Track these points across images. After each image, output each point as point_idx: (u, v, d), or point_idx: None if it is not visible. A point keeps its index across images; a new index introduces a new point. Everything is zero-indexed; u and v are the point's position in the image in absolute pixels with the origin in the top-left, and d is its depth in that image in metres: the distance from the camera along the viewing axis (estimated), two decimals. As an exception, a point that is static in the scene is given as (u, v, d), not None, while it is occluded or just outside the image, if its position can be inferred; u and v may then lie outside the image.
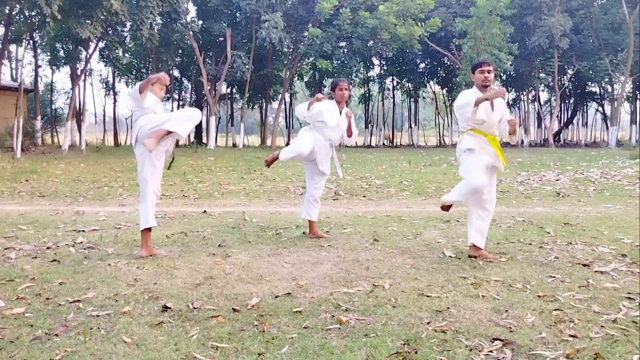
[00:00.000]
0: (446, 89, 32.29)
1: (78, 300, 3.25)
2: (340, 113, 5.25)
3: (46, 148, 19.85)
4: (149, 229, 4.49)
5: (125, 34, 24.39)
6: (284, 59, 28.13)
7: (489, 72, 4.44)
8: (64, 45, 25.46)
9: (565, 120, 35.94)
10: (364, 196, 8.91)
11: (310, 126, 5.33)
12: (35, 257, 4.38)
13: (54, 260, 4.28)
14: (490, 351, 2.54)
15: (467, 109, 4.31)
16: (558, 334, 2.74)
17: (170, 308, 3.11)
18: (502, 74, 28.34)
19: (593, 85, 32.00)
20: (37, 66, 24.13)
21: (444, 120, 34.35)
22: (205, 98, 25.81)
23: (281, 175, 12.19)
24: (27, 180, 10.81)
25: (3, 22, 18.22)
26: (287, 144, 30.30)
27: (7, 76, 25.96)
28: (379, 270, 3.97)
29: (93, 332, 2.76)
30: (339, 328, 2.82)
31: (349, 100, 34.36)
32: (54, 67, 27.79)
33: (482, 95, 4.31)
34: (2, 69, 19.90)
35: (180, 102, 31.25)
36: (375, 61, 31.70)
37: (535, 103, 32.64)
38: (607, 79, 28.11)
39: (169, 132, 4.31)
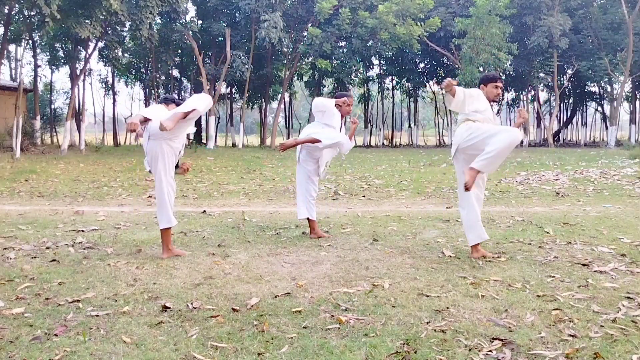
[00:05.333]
0: (445, 88, 32.29)
1: (77, 300, 3.25)
2: (340, 128, 5.40)
3: (45, 148, 19.84)
4: (169, 229, 4.47)
5: (125, 34, 24.38)
6: (283, 58, 28.12)
7: (502, 88, 4.57)
8: (63, 45, 25.46)
9: (564, 120, 35.97)
10: (364, 196, 8.91)
11: (316, 123, 5.43)
12: (35, 257, 4.38)
13: (54, 260, 4.27)
14: (490, 351, 2.54)
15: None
16: (557, 334, 2.74)
17: (169, 308, 3.11)
18: (501, 74, 28.32)
19: (592, 85, 32.01)
20: (36, 66, 24.13)
21: (443, 120, 34.35)
22: (205, 98, 25.74)
23: (281, 175, 12.19)
24: (26, 180, 10.80)
25: (2, 22, 18.21)
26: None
27: (6, 76, 25.95)
28: (379, 270, 3.97)
29: (92, 332, 2.76)
30: (339, 328, 2.82)
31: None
32: (53, 67, 27.77)
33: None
34: (1, 68, 19.90)
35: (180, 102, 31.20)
36: (375, 61, 31.71)
37: (535, 103, 32.64)
38: (606, 79, 28.12)
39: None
